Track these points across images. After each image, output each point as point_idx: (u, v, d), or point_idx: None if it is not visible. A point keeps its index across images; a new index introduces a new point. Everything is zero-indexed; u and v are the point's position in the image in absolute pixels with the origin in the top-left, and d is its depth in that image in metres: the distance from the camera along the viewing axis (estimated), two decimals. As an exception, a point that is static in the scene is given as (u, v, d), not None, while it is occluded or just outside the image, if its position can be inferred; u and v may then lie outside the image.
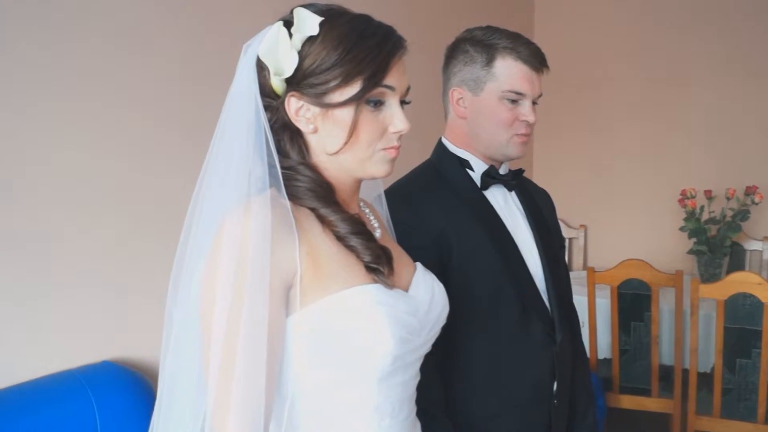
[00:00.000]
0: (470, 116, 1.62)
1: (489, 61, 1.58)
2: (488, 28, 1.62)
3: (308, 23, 1.06)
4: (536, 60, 1.58)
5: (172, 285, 1.12)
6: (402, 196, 1.57)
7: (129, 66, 2.30)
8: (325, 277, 1.04)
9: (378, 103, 1.09)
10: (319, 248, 1.06)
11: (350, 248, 1.09)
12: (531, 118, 1.58)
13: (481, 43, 1.60)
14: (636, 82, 4.67)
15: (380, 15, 1.15)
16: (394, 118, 1.11)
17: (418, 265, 1.25)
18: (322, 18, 1.06)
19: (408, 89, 1.14)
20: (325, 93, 1.06)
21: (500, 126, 1.58)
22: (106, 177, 2.27)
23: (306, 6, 1.09)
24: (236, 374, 0.97)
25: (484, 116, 1.60)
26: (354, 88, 1.06)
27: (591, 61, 4.83)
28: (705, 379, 3.25)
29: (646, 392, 3.32)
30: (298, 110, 1.08)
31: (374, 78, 1.07)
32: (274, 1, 1.21)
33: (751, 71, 4.31)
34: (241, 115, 1.08)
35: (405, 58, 1.13)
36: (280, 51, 1.06)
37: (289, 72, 1.06)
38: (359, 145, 1.09)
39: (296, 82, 1.07)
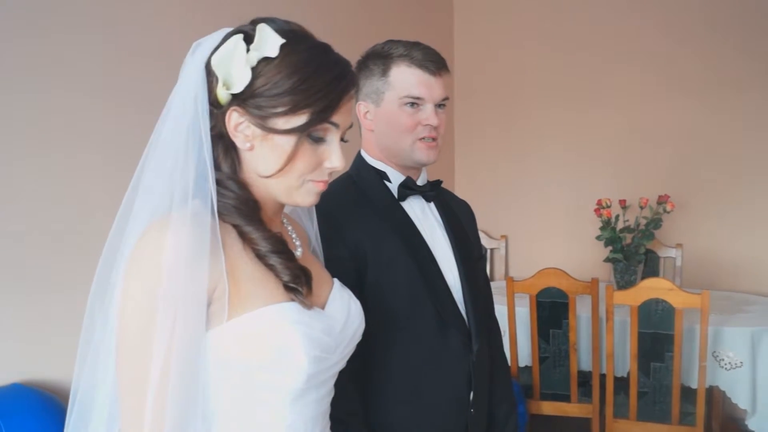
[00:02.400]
0: (376, 128, 1.64)
1: (385, 72, 1.60)
2: (388, 41, 1.64)
3: (269, 43, 1.04)
4: (431, 64, 1.59)
5: (91, 300, 1.09)
6: (319, 208, 1.56)
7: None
8: (243, 295, 1.03)
9: (319, 139, 1.08)
10: (238, 265, 1.04)
11: (269, 267, 1.08)
12: (433, 121, 1.59)
13: (378, 55, 1.62)
14: (555, 99, 4.80)
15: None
16: (332, 154, 1.10)
17: (336, 281, 1.25)
18: (284, 40, 1.04)
19: (350, 127, 1.13)
20: (269, 117, 1.04)
21: (402, 132, 1.59)
22: (18, 187, 2.19)
23: (268, 22, 1.07)
24: (148, 393, 0.95)
25: (387, 125, 1.61)
26: (300, 119, 1.05)
27: (511, 76, 4.94)
28: (622, 383, 3.34)
29: (566, 398, 3.39)
30: (238, 125, 1.06)
31: (323, 114, 1.06)
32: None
33: (662, 89, 4.48)
34: (182, 118, 1.05)
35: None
36: (235, 64, 1.04)
37: (239, 88, 1.04)
38: (291, 174, 1.08)
39: (243, 99, 1.05)
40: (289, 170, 1.07)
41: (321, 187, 1.12)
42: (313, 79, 1.05)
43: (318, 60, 1.07)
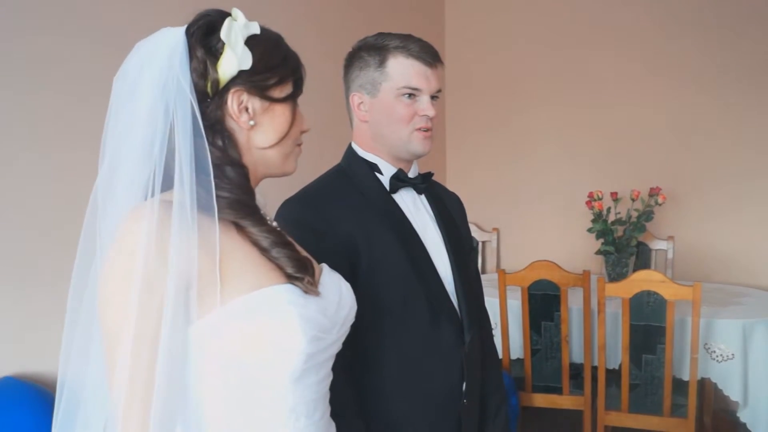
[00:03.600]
0: (371, 118, 1.64)
1: (382, 62, 1.60)
2: (380, 33, 1.65)
3: (250, 23, 1.11)
4: (428, 55, 1.60)
5: (73, 288, 1.08)
6: (310, 201, 1.58)
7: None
8: (234, 278, 1.03)
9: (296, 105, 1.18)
10: (227, 251, 1.03)
11: (273, 259, 1.08)
12: (430, 112, 1.60)
13: (373, 46, 1.62)
14: (546, 93, 4.80)
15: (290, 25, 1.16)
16: (303, 118, 1.20)
17: (324, 265, 1.25)
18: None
19: None
20: (268, 88, 1.12)
21: (400, 122, 1.60)
22: (14, 185, 2.18)
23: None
24: (132, 381, 0.95)
25: (383, 115, 1.61)
26: (289, 87, 1.15)
27: (503, 69, 4.93)
28: (613, 375, 3.34)
29: (557, 390, 3.40)
30: (241, 104, 1.10)
31: (301, 80, 1.18)
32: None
33: (654, 82, 4.49)
34: (156, 111, 1.05)
35: None
36: (239, 44, 1.09)
37: (248, 64, 1.09)
38: (288, 141, 1.16)
39: (243, 76, 1.09)
40: (288, 136, 1.15)
41: (300, 151, 1.22)
42: (289, 52, 1.16)
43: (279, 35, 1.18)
